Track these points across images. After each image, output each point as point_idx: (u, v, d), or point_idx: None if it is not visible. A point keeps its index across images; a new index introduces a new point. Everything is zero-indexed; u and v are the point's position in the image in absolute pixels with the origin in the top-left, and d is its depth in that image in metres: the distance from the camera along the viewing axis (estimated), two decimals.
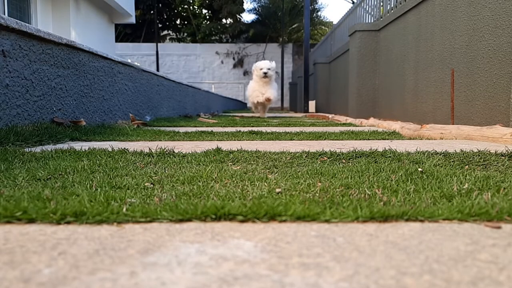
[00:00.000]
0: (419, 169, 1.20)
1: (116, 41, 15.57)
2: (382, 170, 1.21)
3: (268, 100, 6.15)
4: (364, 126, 4.06)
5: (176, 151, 1.63)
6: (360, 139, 2.39)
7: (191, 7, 23.40)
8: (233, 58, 20.58)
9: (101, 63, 3.30)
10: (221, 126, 3.75)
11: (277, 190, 0.95)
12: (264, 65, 6.26)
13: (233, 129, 3.18)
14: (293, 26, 21.20)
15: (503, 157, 1.47)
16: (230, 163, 1.38)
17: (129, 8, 9.92)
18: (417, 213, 0.77)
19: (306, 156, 1.51)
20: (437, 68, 3.93)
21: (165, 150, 1.61)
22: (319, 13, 22.91)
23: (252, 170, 1.23)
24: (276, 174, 1.17)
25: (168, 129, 3.20)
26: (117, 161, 1.37)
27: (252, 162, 1.40)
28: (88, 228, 0.71)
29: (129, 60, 4.53)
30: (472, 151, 1.64)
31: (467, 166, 1.33)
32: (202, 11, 23.78)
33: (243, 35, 22.26)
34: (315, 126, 3.92)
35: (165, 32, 24.02)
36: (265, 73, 6.05)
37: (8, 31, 2.11)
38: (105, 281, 0.50)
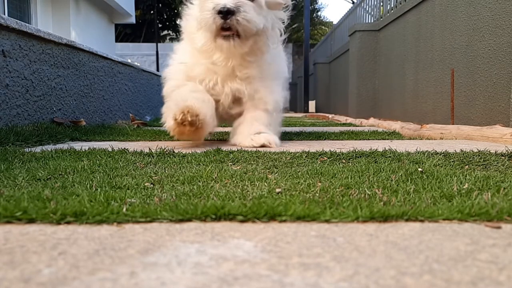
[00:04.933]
0: (419, 169, 1.20)
1: (116, 41, 15.55)
2: (382, 170, 1.21)
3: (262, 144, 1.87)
4: (364, 126, 4.06)
5: (176, 151, 1.63)
6: (360, 139, 2.39)
7: None
8: None
9: (101, 63, 3.30)
10: (221, 126, 3.75)
11: (277, 190, 0.95)
12: None
13: None
14: (293, 26, 21.19)
15: (503, 157, 1.47)
16: (230, 163, 1.38)
17: (129, 8, 9.91)
18: (417, 213, 0.77)
19: (306, 156, 1.51)
20: (437, 68, 3.93)
21: (165, 150, 1.61)
22: (319, 13, 22.98)
23: (252, 170, 1.23)
24: (276, 174, 1.17)
25: None
26: (117, 161, 1.37)
27: (252, 162, 1.40)
28: (88, 228, 0.71)
29: (129, 60, 4.53)
30: (472, 151, 1.64)
31: (467, 166, 1.33)
32: None
33: None
34: (315, 126, 3.92)
35: (165, 32, 24.02)
36: (222, 12, 1.69)
37: (8, 31, 2.11)
38: (105, 281, 0.50)
